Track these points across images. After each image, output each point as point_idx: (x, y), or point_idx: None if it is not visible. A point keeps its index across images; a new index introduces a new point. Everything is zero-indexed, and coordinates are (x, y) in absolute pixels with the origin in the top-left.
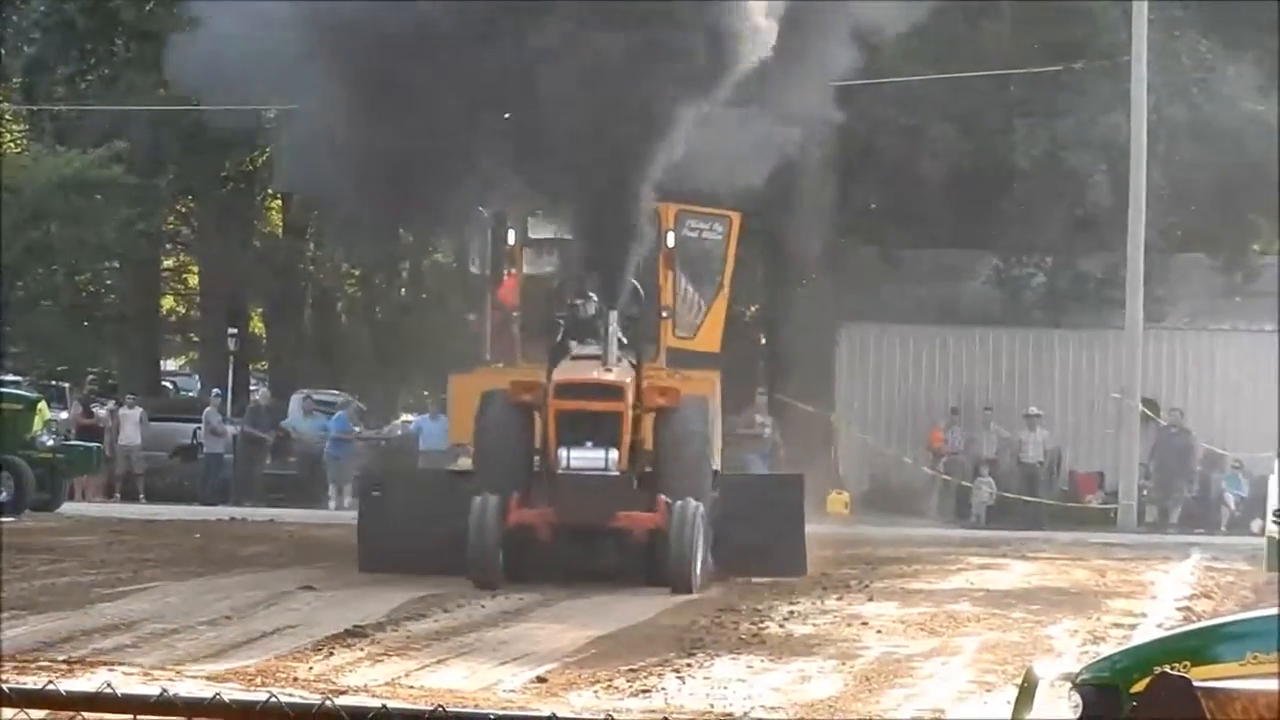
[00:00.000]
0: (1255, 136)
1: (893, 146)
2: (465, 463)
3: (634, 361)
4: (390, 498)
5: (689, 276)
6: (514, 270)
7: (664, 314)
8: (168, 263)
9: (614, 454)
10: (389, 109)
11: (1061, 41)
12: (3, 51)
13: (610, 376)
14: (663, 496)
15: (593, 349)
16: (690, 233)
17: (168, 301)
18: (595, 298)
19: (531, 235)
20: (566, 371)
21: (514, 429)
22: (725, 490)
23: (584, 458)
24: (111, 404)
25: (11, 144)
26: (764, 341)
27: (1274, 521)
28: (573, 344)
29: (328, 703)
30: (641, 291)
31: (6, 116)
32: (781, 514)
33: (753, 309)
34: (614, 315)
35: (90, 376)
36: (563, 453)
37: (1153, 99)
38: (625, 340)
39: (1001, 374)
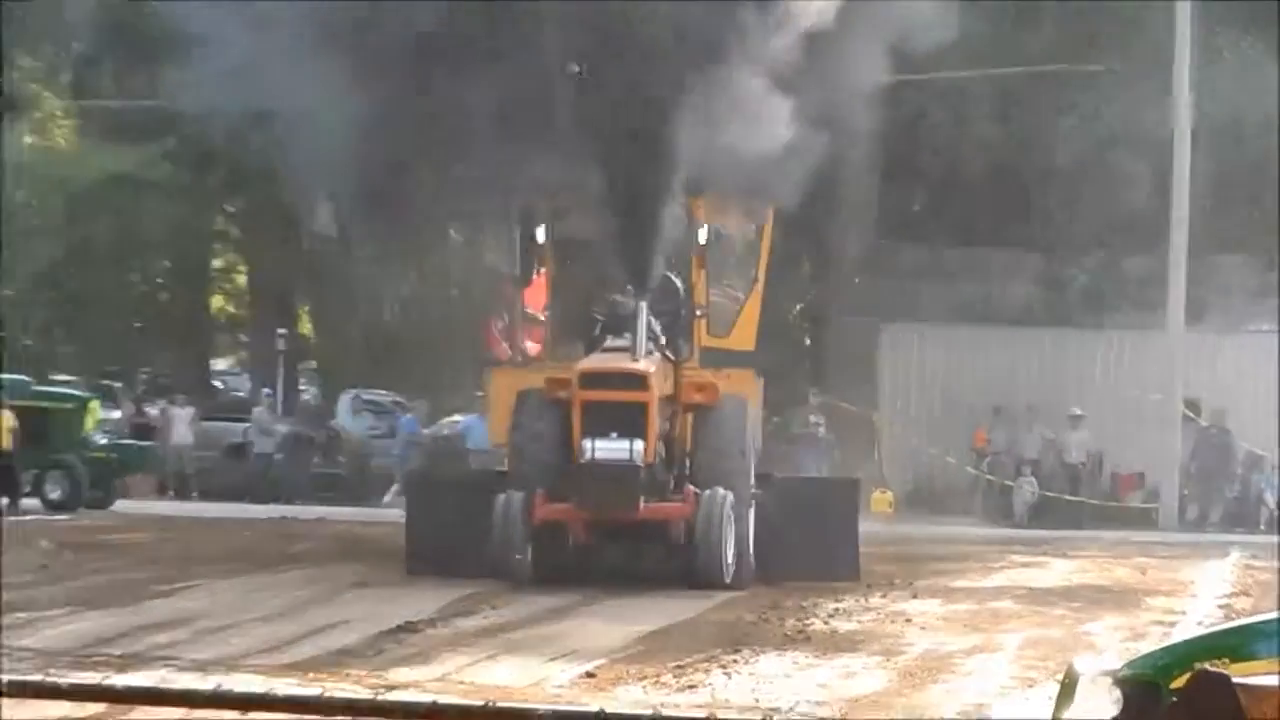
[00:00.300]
0: None
1: (934, 145)
2: None
3: (672, 356)
4: (437, 499)
5: (722, 273)
6: (542, 269)
7: (697, 312)
8: (216, 262)
9: (639, 444)
10: (414, 109)
11: (1104, 41)
12: (52, 48)
13: (635, 365)
14: (691, 487)
15: (624, 341)
16: (723, 228)
17: (217, 301)
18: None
19: (559, 235)
20: (592, 361)
21: (546, 425)
22: (779, 492)
23: (608, 448)
24: (163, 403)
25: (60, 140)
26: (808, 342)
27: None
28: (609, 338)
29: (379, 698)
30: (680, 287)
31: (56, 112)
32: (836, 518)
33: (796, 308)
34: (644, 307)
35: (141, 376)
36: (587, 443)
37: (1194, 97)
38: (662, 336)
39: (1044, 374)
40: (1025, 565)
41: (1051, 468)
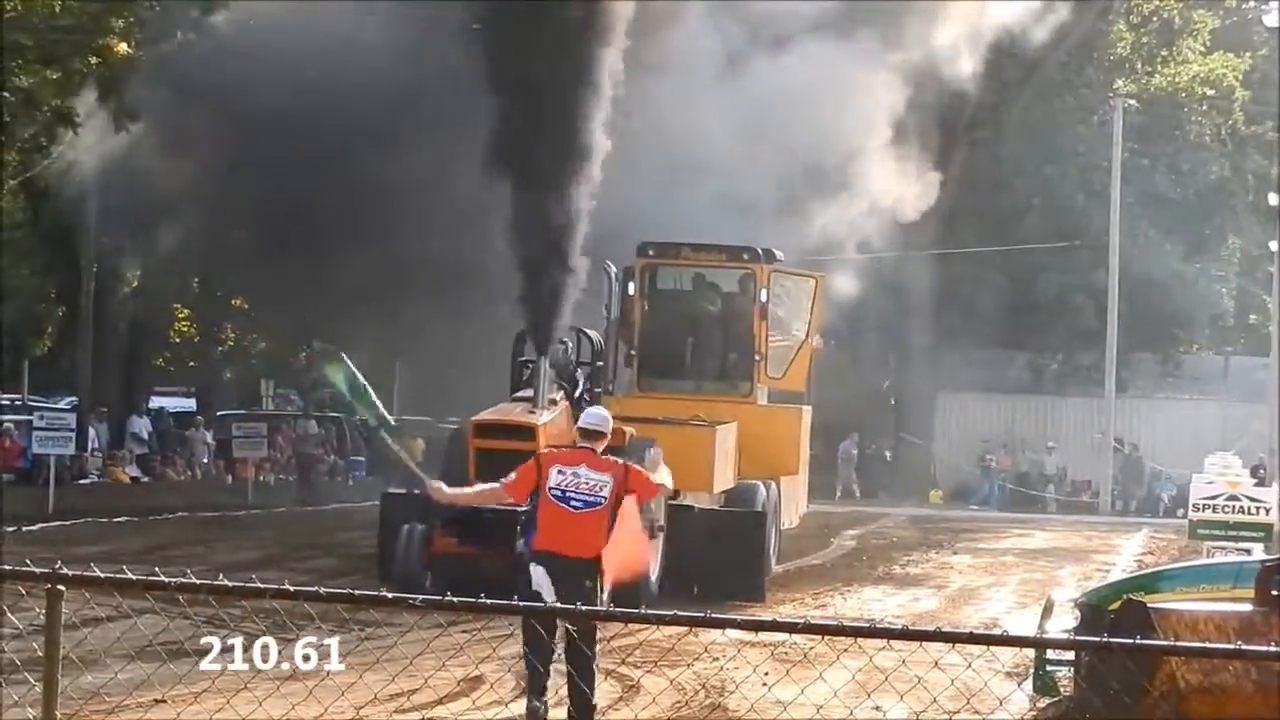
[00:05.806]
0: (1183, 282)
1: (968, 289)
2: None
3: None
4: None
5: (779, 327)
6: (634, 316)
7: (757, 358)
8: None
9: None
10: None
11: (1067, 225)
12: None
13: (525, 418)
14: None
15: (529, 393)
16: (780, 291)
17: None
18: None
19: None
20: (487, 412)
21: (455, 466)
22: (695, 523)
23: None
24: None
25: None
26: (893, 401)
27: (1193, 510)
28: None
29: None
30: (595, 341)
31: None
32: (743, 546)
33: (886, 384)
34: (544, 362)
35: None
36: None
37: (1121, 261)
38: (574, 388)
39: (1032, 422)
40: (1020, 535)
41: (1036, 476)
